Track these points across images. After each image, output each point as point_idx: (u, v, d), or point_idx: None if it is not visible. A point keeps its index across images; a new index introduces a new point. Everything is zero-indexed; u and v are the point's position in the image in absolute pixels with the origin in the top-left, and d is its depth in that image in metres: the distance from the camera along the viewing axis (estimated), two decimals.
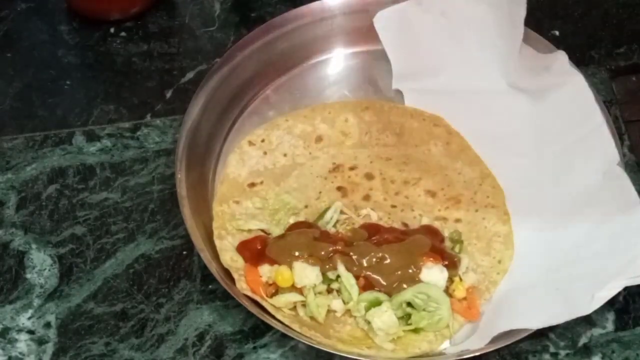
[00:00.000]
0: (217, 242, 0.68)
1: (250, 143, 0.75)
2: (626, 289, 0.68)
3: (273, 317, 0.65)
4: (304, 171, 0.73)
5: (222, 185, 0.73)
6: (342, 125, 0.76)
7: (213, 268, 0.65)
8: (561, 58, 0.75)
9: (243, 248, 0.67)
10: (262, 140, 0.75)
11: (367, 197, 0.72)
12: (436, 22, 0.79)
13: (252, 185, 0.73)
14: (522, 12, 0.74)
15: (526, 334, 0.62)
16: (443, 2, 0.79)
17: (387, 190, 0.72)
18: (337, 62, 0.82)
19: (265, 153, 0.75)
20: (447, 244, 0.69)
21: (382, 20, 0.79)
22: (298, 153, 0.75)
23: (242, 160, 0.74)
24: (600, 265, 0.63)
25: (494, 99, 0.76)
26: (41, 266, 0.71)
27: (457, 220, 0.71)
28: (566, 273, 0.66)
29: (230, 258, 0.67)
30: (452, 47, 0.78)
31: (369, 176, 0.73)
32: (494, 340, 0.62)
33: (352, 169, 0.74)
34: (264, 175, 0.73)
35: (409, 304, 0.64)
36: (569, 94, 0.73)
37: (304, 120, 0.77)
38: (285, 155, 0.75)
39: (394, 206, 0.71)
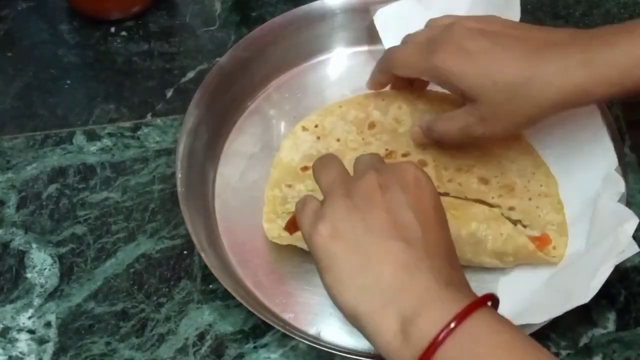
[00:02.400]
0: (265, 226, 0.69)
1: (304, 128, 0.75)
2: (627, 289, 0.68)
3: (273, 317, 0.65)
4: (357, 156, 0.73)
5: (275, 170, 0.73)
6: (395, 112, 0.76)
7: (214, 268, 0.65)
8: None
9: (291, 225, 0.65)
10: (316, 126, 0.75)
11: None
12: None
13: (305, 169, 0.72)
14: (516, 8, 0.75)
15: (529, 332, 0.62)
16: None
17: (440, 178, 0.71)
18: (338, 62, 0.82)
19: (318, 138, 0.74)
20: None
21: (382, 18, 0.79)
22: (351, 139, 0.74)
23: (295, 145, 0.74)
24: (592, 257, 0.64)
25: None
26: (41, 266, 0.71)
27: (511, 209, 0.70)
28: (564, 274, 0.66)
29: (278, 235, 0.68)
30: None
31: (422, 163, 0.72)
32: None
33: (404, 155, 0.73)
34: None
35: None
36: None
37: (358, 107, 0.76)
38: (338, 140, 0.74)
39: (446, 193, 0.70)
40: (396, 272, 0.52)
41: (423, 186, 0.56)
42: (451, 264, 0.54)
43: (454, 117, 0.68)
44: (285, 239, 0.68)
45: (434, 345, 0.49)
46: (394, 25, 0.78)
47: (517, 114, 0.65)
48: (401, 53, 0.72)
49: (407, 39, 0.73)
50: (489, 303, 0.52)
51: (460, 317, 0.50)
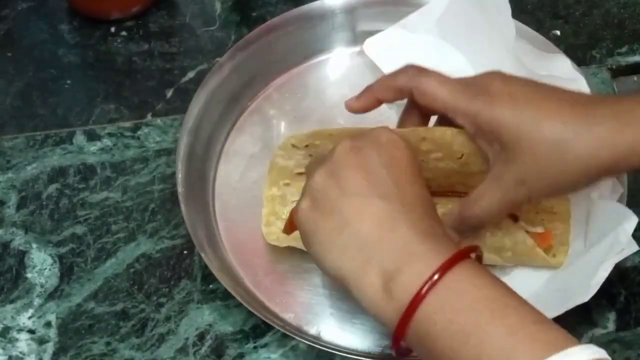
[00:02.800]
0: (264, 230, 0.69)
1: (294, 146, 0.70)
2: (627, 289, 0.68)
3: (274, 317, 0.65)
4: None
5: (270, 172, 0.71)
6: None
7: (214, 268, 0.65)
8: (562, 61, 0.75)
9: (289, 226, 0.64)
10: (306, 146, 0.70)
11: None
12: (424, 39, 0.79)
13: (300, 174, 0.71)
14: (507, 13, 0.74)
15: None
16: (425, 21, 0.79)
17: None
18: (338, 62, 0.82)
19: (310, 155, 0.70)
20: None
21: (371, 46, 0.80)
22: None
23: (288, 154, 0.71)
24: (592, 256, 0.64)
25: None
26: (42, 266, 0.71)
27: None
28: (564, 274, 0.66)
29: (277, 237, 0.68)
30: (446, 59, 0.78)
31: None
32: None
33: None
34: None
35: None
36: None
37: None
38: None
39: (452, 191, 0.67)
40: (373, 227, 0.52)
41: (397, 145, 0.56)
42: (429, 215, 0.54)
43: (485, 193, 0.60)
44: (285, 241, 0.68)
45: (416, 300, 0.49)
46: (385, 51, 0.79)
47: (562, 175, 0.57)
48: (433, 84, 0.61)
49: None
50: (473, 255, 0.52)
51: (442, 271, 0.49)
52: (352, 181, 0.54)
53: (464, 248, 0.51)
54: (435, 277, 0.49)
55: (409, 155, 0.56)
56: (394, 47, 0.79)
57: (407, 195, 0.54)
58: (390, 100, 0.65)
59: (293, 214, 0.59)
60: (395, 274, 0.50)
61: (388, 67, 0.79)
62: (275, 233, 0.69)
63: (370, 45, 0.80)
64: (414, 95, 0.62)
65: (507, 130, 0.57)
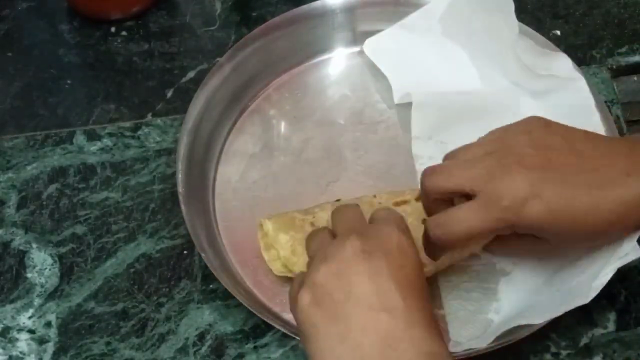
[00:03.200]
0: (266, 256, 0.68)
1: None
2: (627, 289, 0.68)
3: (274, 317, 0.65)
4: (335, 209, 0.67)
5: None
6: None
7: (214, 267, 0.65)
8: (563, 61, 0.75)
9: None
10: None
11: None
12: (425, 39, 0.79)
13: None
14: (510, 10, 0.74)
15: (529, 332, 0.62)
16: (425, 19, 0.79)
17: None
18: (338, 62, 0.82)
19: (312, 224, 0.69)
20: None
21: (371, 46, 0.80)
22: None
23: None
24: (593, 258, 0.64)
25: (498, 96, 0.76)
26: (42, 265, 0.71)
27: None
28: (565, 274, 0.66)
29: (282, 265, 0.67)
30: (448, 58, 0.79)
31: None
32: (497, 339, 0.62)
33: None
34: None
35: None
36: (569, 98, 0.73)
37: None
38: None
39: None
40: (376, 343, 0.51)
41: (405, 251, 0.55)
42: (433, 331, 0.53)
43: (468, 216, 0.59)
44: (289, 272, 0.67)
45: None
46: (385, 51, 0.80)
47: (587, 240, 0.62)
48: (462, 221, 0.59)
49: (458, 156, 0.62)
50: None
51: None
52: (359, 289, 0.53)
53: None
54: None
55: (415, 263, 0.55)
56: (394, 48, 0.80)
57: (412, 310, 0.53)
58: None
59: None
60: None
61: (388, 67, 0.79)
62: (282, 270, 0.67)
63: (370, 45, 0.81)
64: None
65: (548, 231, 0.59)
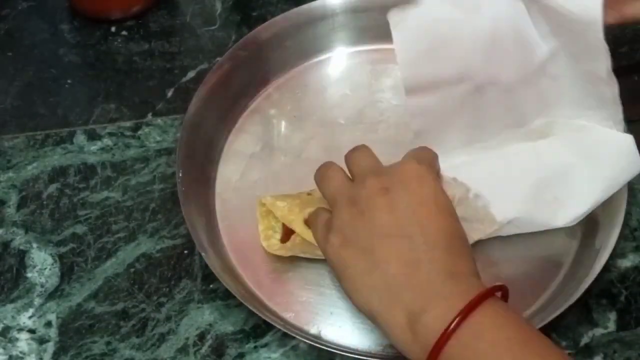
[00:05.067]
0: (264, 244, 0.69)
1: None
2: (628, 289, 0.68)
3: (274, 316, 0.65)
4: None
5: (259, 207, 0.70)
6: None
7: (214, 267, 0.65)
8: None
9: (285, 235, 0.68)
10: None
11: None
12: (467, 19, 0.65)
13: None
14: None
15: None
16: None
17: None
18: (338, 62, 0.82)
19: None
20: None
21: (398, 15, 0.64)
22: None
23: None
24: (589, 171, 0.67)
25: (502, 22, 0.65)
26: (42, 265, 0.71)
27: None
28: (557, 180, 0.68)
29: (279, 248, 0.68)
30: (484, 49, 0.66)
31: None
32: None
33: None
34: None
35: None
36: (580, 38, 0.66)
37: None
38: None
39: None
40: (399, 268, 0.54)
41: (423, 182, 0.58)
42: (454, 251, 0.55)
43: None
44: (289, 251, 0.68)
45: (440, 343, 0.50)
46: (412, 25, 0.65)
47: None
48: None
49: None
50: (499, 294, 0.53)
51: (465, 313, 0.51)
52: (380, 222, 0.56)
53: (488, 289, 0.53)
54: (457, 320, 0.50)
55: (435, 190, 0.58)
56: (422, 23, 0.65)
57: (431, 231, 0.55)
58: None
59: (311, 228, 0.62)
60: (419, 315, 0.52)
61: (404, 46, 0.65)
62: (275, 244, 0.69)
63: (396, 13, 0.64)
64: None
65: None
